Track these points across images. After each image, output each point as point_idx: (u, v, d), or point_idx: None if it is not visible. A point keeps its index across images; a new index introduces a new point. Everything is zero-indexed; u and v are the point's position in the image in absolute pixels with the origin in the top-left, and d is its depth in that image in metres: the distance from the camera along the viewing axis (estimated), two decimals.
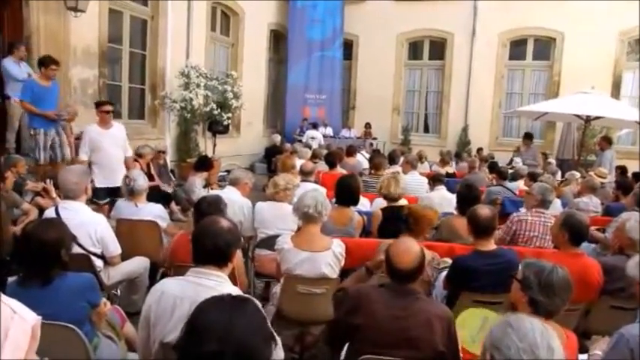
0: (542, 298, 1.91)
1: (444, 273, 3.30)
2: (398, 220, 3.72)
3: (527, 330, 1.39)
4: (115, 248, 3.45)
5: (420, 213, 3.36)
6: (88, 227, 3.29)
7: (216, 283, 1.97)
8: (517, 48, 13.71)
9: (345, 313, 2.21)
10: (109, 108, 5.86)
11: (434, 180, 5.80)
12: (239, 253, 2.28)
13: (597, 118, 8.90)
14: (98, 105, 6.02)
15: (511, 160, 10.34)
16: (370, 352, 2.06)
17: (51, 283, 2.10)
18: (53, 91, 6.14)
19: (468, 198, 4.06)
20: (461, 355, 2.07)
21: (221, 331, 1.25)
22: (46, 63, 5.99)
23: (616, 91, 12.45)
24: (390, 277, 2.24)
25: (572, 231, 3.09)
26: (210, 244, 1.98)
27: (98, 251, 3.36)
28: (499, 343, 1.40)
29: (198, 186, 7.00)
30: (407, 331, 2.07)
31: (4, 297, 0.91)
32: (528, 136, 11.47)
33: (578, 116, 9.20)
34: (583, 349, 2.40)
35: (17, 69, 6.86)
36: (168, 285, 2.03)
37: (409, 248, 2.24)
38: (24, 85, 6.05)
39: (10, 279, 2.22)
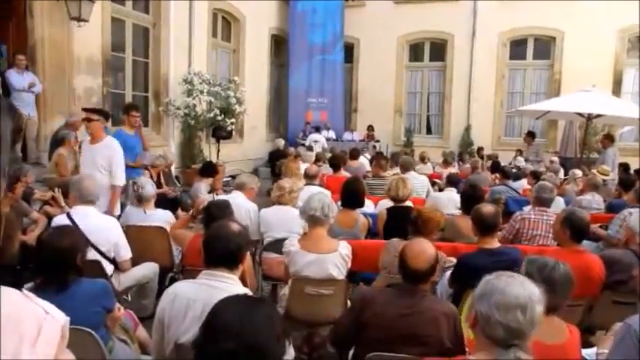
0: (544, 293, 1.95)
1: (449, 272, 3.36)
2: (404, 220, 3.77)
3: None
4: (126, 252, 3.52)
5: (429, 215, 3.40)
6: (101, 231, 3.37)
7: (227, 284, 2.03)
8: (517, 47, 13.76)
9: (351, 311, 2.26)
10: (89, 115, 4.71)
11: (448, 181, 5.93)
12: (248, 256, 2.34)
13: (599, 115, 8.94)
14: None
15: (511, 163, 10.41)
16: (378, 350, 2.11)
17: (67, 289, 2.17)
18: (137, 139, 6.01)
19: (472, 198, 4.12)
20: (467, 349, 2.11)
21: (236, 329, 1.30)
22: (127, 110, 5.87)
23: (617, 88, 12.48)
24: (403, 277, 2.28)
25: (574, 228, 3.14)
26: (222, 248, 2.04)
27: (111, 255, 3.43)
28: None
29: (203, 191, 7.06)
30: (414, 328, 2.12)
31: (36, 298, 0.97)
32: (530, 134, 11.56)
33: (579, 114, 9.24)
34: (587, 344, 2.45)
35: (19, 79, 6.95)
36: (182, 287, 2.09)
37: (424, 250, 2.29)
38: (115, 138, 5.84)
39: (26, 286, 2.28)
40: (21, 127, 7.06)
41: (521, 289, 1.46)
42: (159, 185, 6.25)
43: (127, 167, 5.60)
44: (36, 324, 0.92)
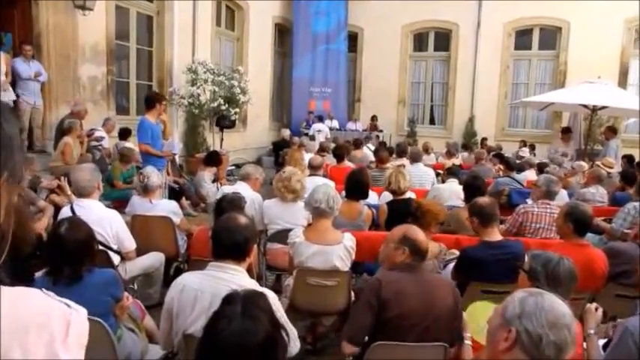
0: (548, 288, 1.97)
1: (452, 264, 3.39)
2: (405, 212, 3.80)
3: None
4: (130, 243, 3.55)
5: (428, 207, 3.44)
6: (104, 223, 3.38)
7: (234, 276, 2.06)
8: (522, 38, 13.67)
9: (366, 301, 2.28)
10: None
11: (448, 172, 5.96)
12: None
13: (603, 107, 8.90)
14: None
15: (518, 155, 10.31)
16: (394, 329, 2.21)
17: (81, 280, 2.21)
18: (159, 129, 5.93)
19: (472, 186, 4.17)
20: (469, 343, 2.15)
21: (237, 327, 1.32)
22: (159, 99, 5.80)
23: (623, 79, 12.40)
24: (414, 257, 2.40)
25: (577, 222, 3.16)
26: (229, 240, 2.07)
27: (115, 247, 3.47)
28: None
29: (207, 181, 7.12)
30: (431, 301, 2.25)
31: (55, 296, 0.99)
32: (568, 130, 10.63)
33: (584, 106, 9.20)
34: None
35: (25, 68, 6.97)
36: (190, 279, 2.12)
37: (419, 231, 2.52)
38: (141, 127, 5.70)
39: (37, 274, 2.32)
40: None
41: (563, 307, 1.45)
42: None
43: (153, 157, 5.63)
44: (63, 320, 0.94)
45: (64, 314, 0.93)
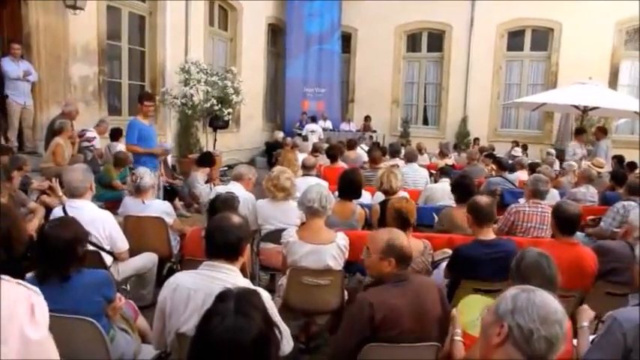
0: (517, 282, 1.93)
1: (444, 263, 3.40)
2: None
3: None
4: (123, 244, 3.53)
5: (408, 207, 3.36)
6: (96, 224, 3.36)
7: (227, 275, 2.06)
8: (515, 39, 13.77)
9: (356, 327, 2.22)
10: None
11: (441, 172, 6.02)
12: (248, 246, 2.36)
13: (594, 108, 8.98)
14: None
15: (511, 155, 10.33)
16: (394, 340, 2.17)
17: (69, 280, 2.19)
18: (152, 129, 5.92)
19: (461, 185, 4.22)
20: (461, 339, 2.16)
21: (230, 324, 1.32)
22: (141, 99, 5.79)
23: (614, 80, 12.53)
24: (400, 264, 2.32)
25: (558, 219, 3.22)
26: (222, 239, 2.07)
27: (107, 247, 3.45)
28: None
29: (200, 181, 7.10)
30: (422, 306, 2.23)
31: (12, 279, 1.02)
32: (582, 131, 9.71)
33: (575, 107, 9.27)
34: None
35: (13, 67, 6.90)
36: (183, 278, 2.12)
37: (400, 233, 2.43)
38: (128, 128, 5.71)
39: (27, 275, 2.30)
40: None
41: (555, 303, 1.46)
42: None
43: (144, 157, 5.64)
44: (27, 303, 0.99)
45: (27, 298, 0.97)
